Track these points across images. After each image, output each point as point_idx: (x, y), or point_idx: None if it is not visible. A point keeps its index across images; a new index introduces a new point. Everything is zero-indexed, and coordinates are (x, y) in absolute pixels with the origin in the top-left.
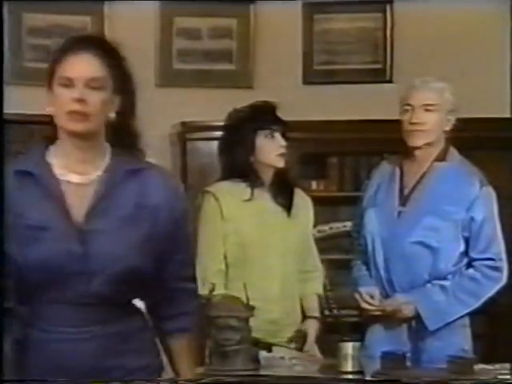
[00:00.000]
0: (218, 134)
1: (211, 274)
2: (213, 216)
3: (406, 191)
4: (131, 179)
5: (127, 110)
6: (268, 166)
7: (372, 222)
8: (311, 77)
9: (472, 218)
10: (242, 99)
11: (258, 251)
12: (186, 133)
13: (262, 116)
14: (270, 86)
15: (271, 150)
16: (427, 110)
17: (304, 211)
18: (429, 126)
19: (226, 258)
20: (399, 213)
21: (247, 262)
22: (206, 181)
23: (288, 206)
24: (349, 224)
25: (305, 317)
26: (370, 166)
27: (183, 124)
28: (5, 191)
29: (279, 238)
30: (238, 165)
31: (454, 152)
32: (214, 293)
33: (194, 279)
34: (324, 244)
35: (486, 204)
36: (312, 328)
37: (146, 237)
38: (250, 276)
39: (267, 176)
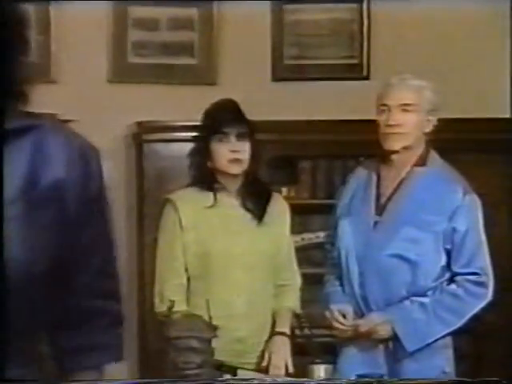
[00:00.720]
0: (178, 135)
1: (171, 289)
2: (171, 225)
3: (383, 199)
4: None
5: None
6: (224, 172)
7: (346, 233)
8: (281, 72)
9: (454, 229)
10: (205, 97)
11: (222, 262)
12: (143, 134)
13: (219, 116)
14: (235, 82)
15: (222, 155)
16: (405, 111)
17: (279, 219)
18: (407, 128)
19: (187, 270)
20: (375, 223)
21: (210, 275)
22: (164, 187)
23: (259, 213)
24: (322, 235)
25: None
26: (346, 170)
27: (139, 124)
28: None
29: (246, 248)
30: (197, 171)
31: (434, 156)
32: (174, 310)
33: (116, 296)
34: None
35: (469, 213)
36: (278, 346)
37: (43, 229)
38: (214, 290)
39: (232, 181)
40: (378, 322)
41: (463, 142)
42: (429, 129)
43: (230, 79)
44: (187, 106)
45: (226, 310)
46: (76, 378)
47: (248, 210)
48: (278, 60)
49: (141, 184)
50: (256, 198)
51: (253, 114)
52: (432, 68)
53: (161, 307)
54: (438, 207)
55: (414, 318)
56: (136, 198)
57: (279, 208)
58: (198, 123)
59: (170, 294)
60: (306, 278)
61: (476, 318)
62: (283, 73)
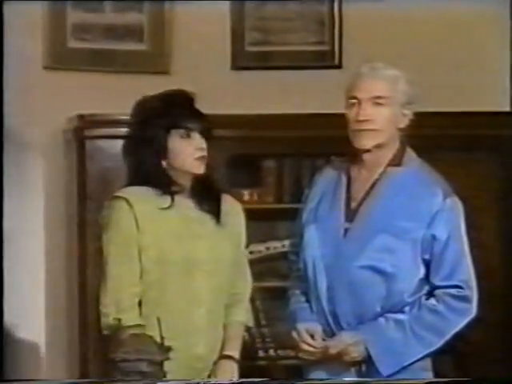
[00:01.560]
0: (125, 130)
1: (128, 298)
2: (125, 226)
3: (354, 204)
4: None
5: None
6: (184, 171)
7: (313, 241)
8: (242, 60)
9: (434, 237)
10: (156, 87)
11: (183, 269)
12: (85, 129)
13: (177, 110)
14: (190, 71)
15: (187, 153)
16: (376, 104)
17: (234, 219)
18: (379, 124)
19: (141, 278)
20: (345, 230)
21: (168, 284)
22: (110, 189)
23: (216, 213)
24: (288, 243)
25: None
26: (315, 171)
27: (81, 117)
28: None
29: (207, 252)
30: (148, 170)
31: (411, 155)
32: (127, 324)
33: None
34: (258, 268)
35: (450, 219)
36: (224, 371)
37: None
38: (172, 300)
39: (186, 181)
40: (349, 343)
41: (444, 139)
42: (404, 124)
43: (183, 67)
44: (136, 97)
45: (184, 322)
46: None
47: (205, 211)
48: (239, 46)
49: (83, 187)
50: (210, 198)
51: (210, 106)
52: (411, 57)
53: (113, 320)
54: (414, 212)
55: (389, 337)
56: (77, 203)
57: (233, 208)
58: (146, 116)
59: (128, 304)
60: (271, 292)
61: (459, 336)
62: (244, 60)
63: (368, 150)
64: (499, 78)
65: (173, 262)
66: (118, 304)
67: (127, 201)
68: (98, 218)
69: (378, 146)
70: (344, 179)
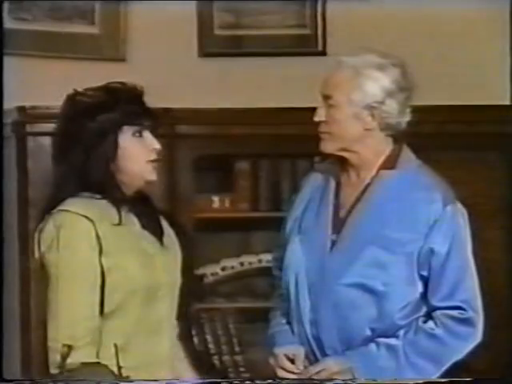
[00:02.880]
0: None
1: (78, 336)
2: (87, 248)
3: (343, 212)
4: None
5: None
6: (134, 177)
7: (296, 255)
8: (210, 45)
9: (432, 250)
10: (110, 76)
11: (144, 295)
12: (27, 123)
13: (126, 105)
14: (149, 57)
15: (140, 154)
16: (329, 105)
17: (172, 240)
18: (333, 128)
19: (101, 305)
20: (333, 243)
21: (129, 312)
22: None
23: (159, 233)
24: (265, 258)
25: None
26: (296, 174)
27: (21, 110)
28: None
29: (165, 275)
30: (95, 175)
31: (409, 156)
32: (83, 361)
33: None
34: (231, 286)
35: (451, 229)
36: None
37: None
38: (132, 330)
39: (130, 191)
40: (334, 371)
41: (445, 137)
42: (374, 124)
43: (141, 54)
44: (85, 87)
45: (148, 354)
46: None
47: (147, 229)
48: (207, 29)
49: (24, 191)
50: (151, 215)
51: (174, 99)
52: (406, 43)
53: (55, 355)
54: (409, 222)
55: (380, 365)
56: (17, 211)
57: (167, 228)
58: (95, 111)
59: (83, 341)
60: (245, 313)
61: (461, 364)
62: (213, 46)
63: (332, 154)
64: (499, 79)
65: (135, 288)
66: (71, 339)
67: (87, 217)
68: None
69: (347, 150)
70: (333, 184)
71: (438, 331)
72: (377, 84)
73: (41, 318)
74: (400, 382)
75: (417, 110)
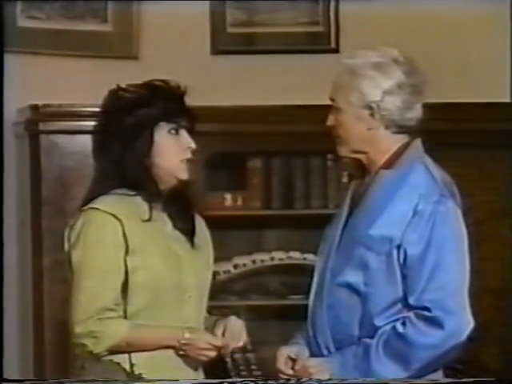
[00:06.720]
0: (87, 124)
1: (100, 309)
2: (112, 246)
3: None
4: None
5: None
6: (166, 174)
7: (319, 253)
8: (223, 43)
9: (406, 250)
10: (122, 74)
11: (172, 296)
12: (40, 122)
13: (165, 102)
14: (162, 55)
15: (175, 152)
16: (333, 108)
17: (205, 240)
18: (342, 130)
19: (126, 305)
20: (339, 241)
21: (158, 312)
22: (69, 193)
23: (190, 233)
24: (277, 255)
25: None
26: (309, 171)
27: (34, 108)
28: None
29: (193, 277)
30: (128, 169)
31: (413, 155)
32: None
33: None
34: (243, 283)
35: (428, 228)
36: None
37: None
38: None
39: (164, 188)
40: (311, 372)
41: (455, 135)
42: (374, 126)
43: (154, 52)
44: (99, 85)
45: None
46: None
47: (178, 228)
48: (220, 27)
49: (37, 189)
50: (184, 214)
51: (187, 97)
52: (419, 40)
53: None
54: (389, 221)
55: (354, 366)
56: (31, 209)
57: (201, 227)
58: (133, 106)
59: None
60: (258, 311)
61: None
62: (226, 44)
63: (346, 157)
64: (499, 79)
65: (163, 288)
66: (96, 313)
67: (115, 216)
68: (55, 226)
69: (359, 152)
70: (353, 184)
71: (409, 331)
72: (373, 83)
73: (55, 319)
74: (401, 381)
75: (426, 108)
